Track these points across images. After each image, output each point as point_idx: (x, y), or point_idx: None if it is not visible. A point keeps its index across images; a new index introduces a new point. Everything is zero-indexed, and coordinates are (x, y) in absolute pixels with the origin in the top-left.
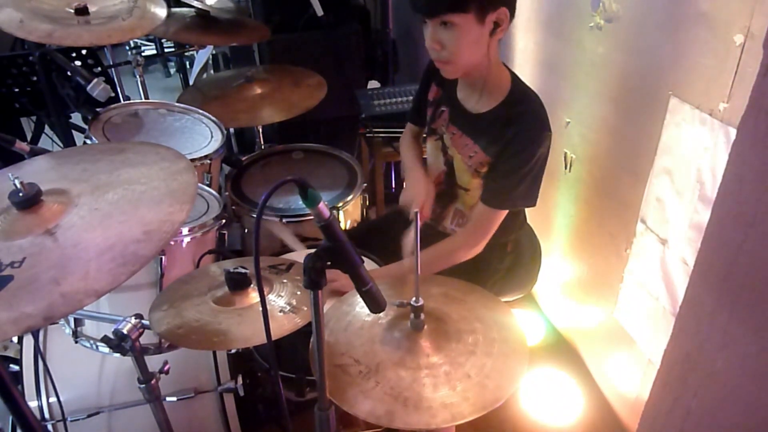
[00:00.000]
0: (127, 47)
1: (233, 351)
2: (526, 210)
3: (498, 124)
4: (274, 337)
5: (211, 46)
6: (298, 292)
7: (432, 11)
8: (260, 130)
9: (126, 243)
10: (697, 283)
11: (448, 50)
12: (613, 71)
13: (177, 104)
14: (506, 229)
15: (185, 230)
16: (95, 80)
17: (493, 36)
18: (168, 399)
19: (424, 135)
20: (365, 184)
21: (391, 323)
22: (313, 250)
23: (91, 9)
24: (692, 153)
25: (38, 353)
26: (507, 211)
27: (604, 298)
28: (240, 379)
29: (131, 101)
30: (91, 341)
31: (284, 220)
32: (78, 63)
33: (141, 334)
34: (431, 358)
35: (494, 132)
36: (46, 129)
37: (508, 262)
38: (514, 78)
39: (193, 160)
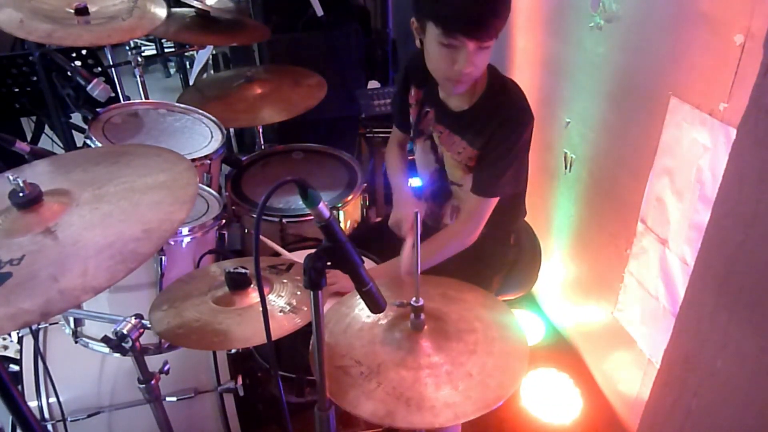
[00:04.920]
0: (127, 47)
1: (233, 351)
2: (526, 210)
3: (481, 118)
4: (274, 337)
5: (211, 46)
6: (298, 292)
7: (484, 37)
8: (260, 130)
9: (125, 241)
10: (697, 283)
11: (479, 69)
12: (613, 71)
13: (177, 104)
14: (507, 221)
15: (185, 230)
16: (95, 80)
17: None
18: (168, 399)
19: (412, 136)
20: (365, 184)
21: (391, 324)
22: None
23: (91, 9)
24: (692, 153)
25: (38, 353)
26: (497, 199)
27: (604, 298)
28: (240, 379)
29: (131, 101)
30: (91, 341)
31: (284, 221)
32: (78, 63)
33: (141, 334)
34: (432, 357)
35: (478, 125)
36: (46, 129)
37: (512, 255)
38: (491, 70)
39: (193, 160)
